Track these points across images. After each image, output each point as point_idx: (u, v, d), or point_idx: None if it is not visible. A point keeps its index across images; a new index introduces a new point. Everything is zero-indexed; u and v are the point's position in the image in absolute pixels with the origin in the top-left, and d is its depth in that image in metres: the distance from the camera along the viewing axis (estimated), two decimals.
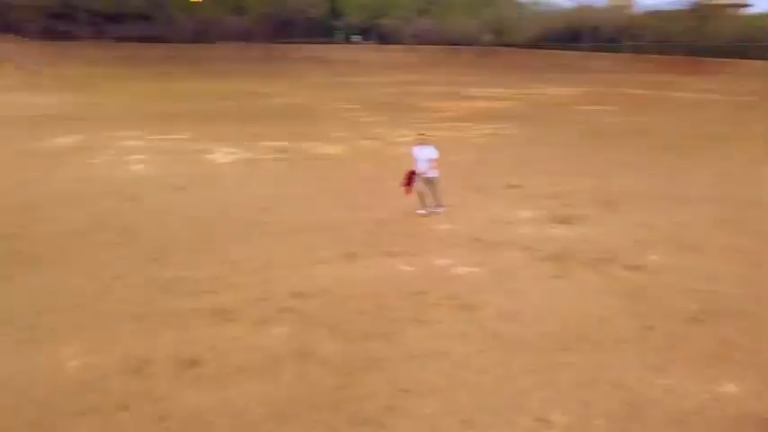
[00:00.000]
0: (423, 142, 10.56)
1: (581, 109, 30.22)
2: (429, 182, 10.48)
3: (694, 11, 61.39)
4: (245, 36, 65.19)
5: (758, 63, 49.10)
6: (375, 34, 69.69)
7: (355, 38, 69.93)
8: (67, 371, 5.56)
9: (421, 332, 6.23)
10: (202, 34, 64.56)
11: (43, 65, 43.78)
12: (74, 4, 50.75)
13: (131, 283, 7.69)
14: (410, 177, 10.45)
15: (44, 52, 46.93)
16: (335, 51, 63.15)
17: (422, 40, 73.22)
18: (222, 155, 17.09)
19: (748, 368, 5.51)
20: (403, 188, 10.48)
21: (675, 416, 4.79)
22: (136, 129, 21.96)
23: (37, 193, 12.57)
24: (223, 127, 22.73)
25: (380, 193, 12.26)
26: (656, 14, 69.29)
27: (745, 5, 72.48)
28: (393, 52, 65.94)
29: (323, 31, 69.79)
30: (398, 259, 8.48)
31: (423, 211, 10.54)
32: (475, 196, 12.20)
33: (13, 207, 11.43)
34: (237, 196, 12.37)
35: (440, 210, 10.65)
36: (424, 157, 10.36)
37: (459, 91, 41.31)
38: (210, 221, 10.50)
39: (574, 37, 68.52)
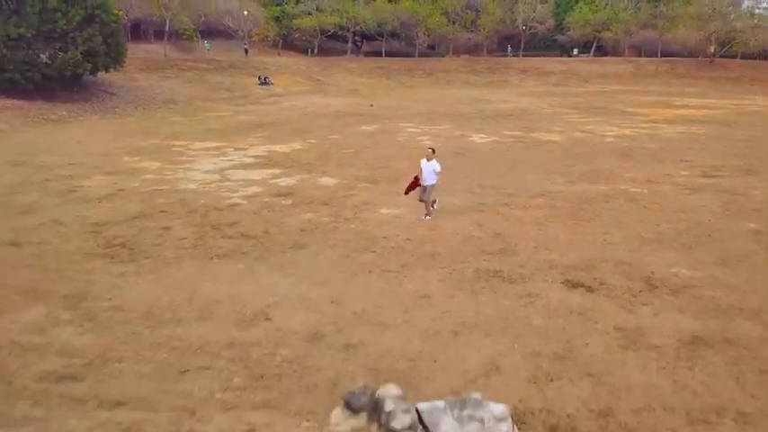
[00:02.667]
0: (429, 157, 12.29)
1: None
2: (426, 190, 12.29)
3: None
4: (473, 49, 74.25)
5: None
6: (595, 47, 74.06)
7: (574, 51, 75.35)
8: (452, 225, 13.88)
9: (609, 204, 13.58)
10: (436, 48, 74.99)
11: (321, 75, 56.81)
12: (346, 27, 63.76)
13: (458, 187, 15.97)
14: (413, 184, 12.59)
15: (320, 65, 60.33)
16: (554, 64, 69.15)
17: (640, 52, 75.99)
18: (478, 138, 25.32)
19: None
20: (407, 188, 12.78)
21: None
22: (408, 122, 31.15)
23: (379, 153, 21.73)
24: (469, 121, 31.13)
25: (592, 160, 19.42)
26: None
27: None
28: (610, 64, 70.02)
29: (545, 45, 76.52)
30: (600, 185, 15.76)
31: (426, 218, 12.43)
32: (654, 164, 18.78)
33: (373, 159, 20.55)
34: (498, 158, 20.37)
35: (429, 217, 12.44)
36: (429, 169, 12.18)
37: (668, 100, 45.47)
38: (487, 164, 18.61)
39: None
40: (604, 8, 70.94)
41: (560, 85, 62.29)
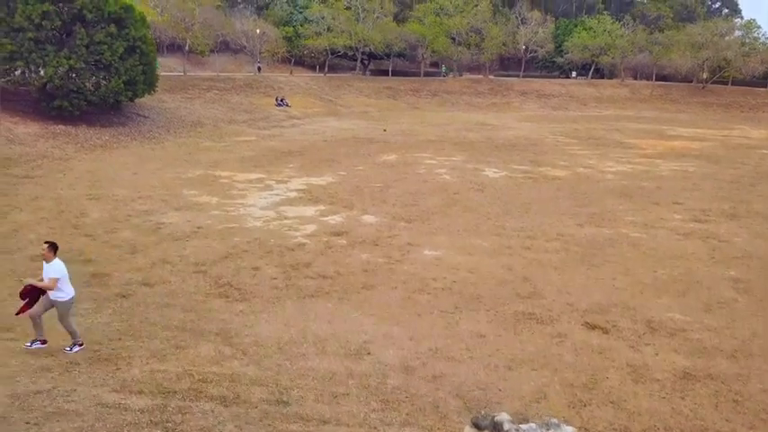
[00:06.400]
0: (45, 258, 8.58)
1: (765, 153, 36.47)
2: (56, 306, 8.64)
3: None
4: (475, 69, 77.35)
5: None
6: (592, 70, 77.12)
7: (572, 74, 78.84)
8: None
9: (614, 249, 16.13)
10: (439, 66, 77.86)
11: (332, 96, 59.46)
12: (355, 47, 66.54)
13: (483, 228, 18.51)
14: (27, 294, 8.58)
15: (330, 85, 62.97)
16: (554, 86, 72.16)
17: (636, 74, 79.36)
18: (491, 172, 27.92)
19: None
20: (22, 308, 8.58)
21: None
22: (423, 151, 33.71)
23: (406, 189, 24.22)
24: (480, 152, 33.74)
25: (596, 201, 22.02)
26: None
27: None
28: (606, 88, 73.21)
29: (543, 66, 79.97)
30: (604, 228, 18.32)
31: (31, 345, 8.67)
32: (650, 206, 21.40)
33: (401, 194, 23.03)
34: (513, 196, 22.93)
35: (36, 345, 8.67)
36: (49, 275, 8.52)
37: (661, 129, 48.36)
38: (505, 204, 21.16)
39: None
40: (602, 34, 73.96)
41: (559, 109, 65.22)
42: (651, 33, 77.45)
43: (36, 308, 8.60)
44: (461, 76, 75.80)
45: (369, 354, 9.85)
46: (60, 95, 30.85)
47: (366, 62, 74.90)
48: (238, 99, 50.25)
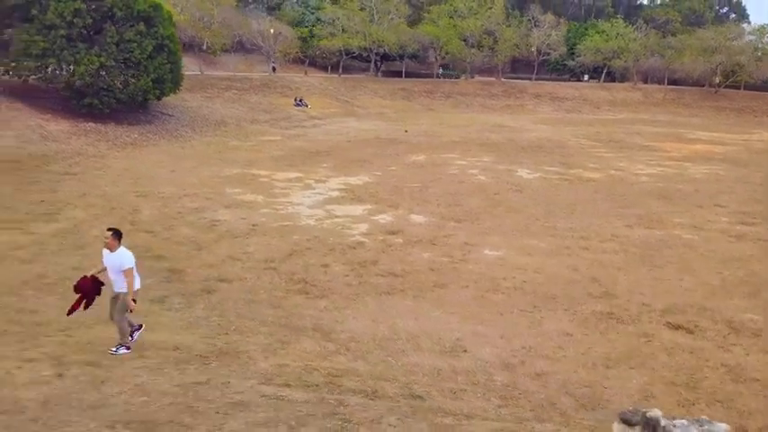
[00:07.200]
0: (110, 245, 7.86)
1: None
2: (117, 301, 8.01)
3: None
4: (486, 71, 77.43)
5: None
6: (604, 73, 77.22)
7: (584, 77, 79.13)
8: None
9: (672, 251, 16.13)
10: (450, 66, 77.92)
11: (348, 96, 59.49)
12: (369, 48, 66.57)
13: (534, 228, 18.49)
14: (82, 288, 7.99)
15: (345, 86, 63.00)
16: (566, 89, 72.19)
17: (647, 78, 79.43)
18: (525, 173, 27.91)
19: None
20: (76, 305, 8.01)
21: None
22: (450, 152, 33.71)
23: (444, 189, 24.19)
24: (507, 153, 33.74)
25: (636, 203, 22.01)
26: None
27: None
28: (619, 91, 73.27)
29: (554, 68, 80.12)
30: (655, 230, 18.31)
31: (117, 350, 7.97)
32: (694, 209, 21.39)
33: (442, 195, 23.00)
34: (553, 197, 22.92)
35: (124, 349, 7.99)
36: (115, 265, 7.87)
37: (679, 133, 48.41)
38: (548, 205, 21.15)
39: None
40: (615, 38, 74.06)
41: (573, 112, 65.26)
42: (663, 37, 77.58)
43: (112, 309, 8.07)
44: (473, 78, 75.85)
45: (465, 351, 9.82)
46: (90, 93, 30.82)
47: (379, 63, 74.94)
48: (257, 99, 50.24)
